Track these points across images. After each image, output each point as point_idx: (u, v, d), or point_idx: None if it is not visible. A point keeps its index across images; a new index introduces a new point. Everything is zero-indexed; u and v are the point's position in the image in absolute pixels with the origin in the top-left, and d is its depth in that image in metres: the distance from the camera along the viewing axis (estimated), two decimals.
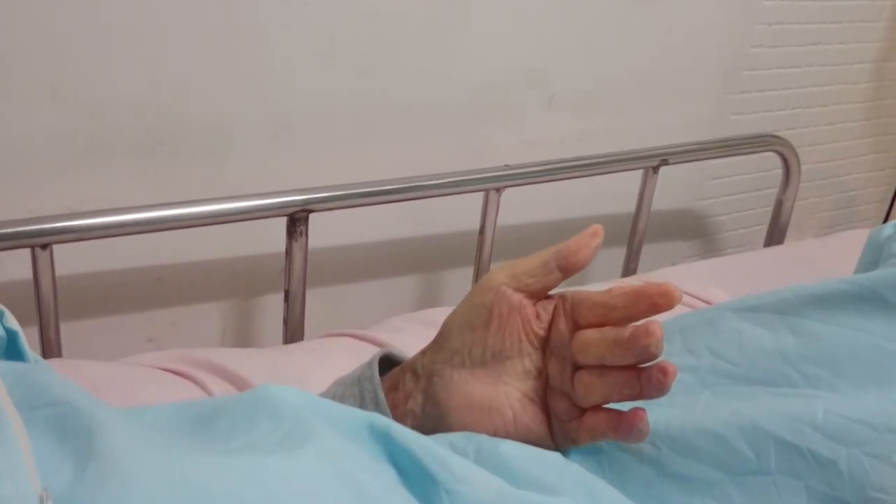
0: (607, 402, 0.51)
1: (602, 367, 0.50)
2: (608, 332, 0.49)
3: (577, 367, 0.51)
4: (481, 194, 1.12)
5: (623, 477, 0.53)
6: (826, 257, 1.26)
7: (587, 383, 0.50)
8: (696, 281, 1.13)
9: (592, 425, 0.51)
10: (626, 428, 0.49)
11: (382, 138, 1.16)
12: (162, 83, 0.98)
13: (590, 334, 0.50)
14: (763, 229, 1.53)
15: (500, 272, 0.53)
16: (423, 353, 0.56)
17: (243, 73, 1.03)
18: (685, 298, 1.07)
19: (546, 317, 0.53)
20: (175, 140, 1.01)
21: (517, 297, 0.53)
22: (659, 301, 0.48)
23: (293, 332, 1.04)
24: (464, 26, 1.17)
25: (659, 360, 0.48)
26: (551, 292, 0.54)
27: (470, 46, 1.18)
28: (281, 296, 1.03)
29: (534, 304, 0.53)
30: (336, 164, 1.13)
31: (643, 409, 0.49)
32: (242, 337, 1.17)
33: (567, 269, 0.52)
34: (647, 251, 1.40)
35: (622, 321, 0.50)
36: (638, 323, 0.47)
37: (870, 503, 0.46)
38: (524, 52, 1.23)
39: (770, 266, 1.27)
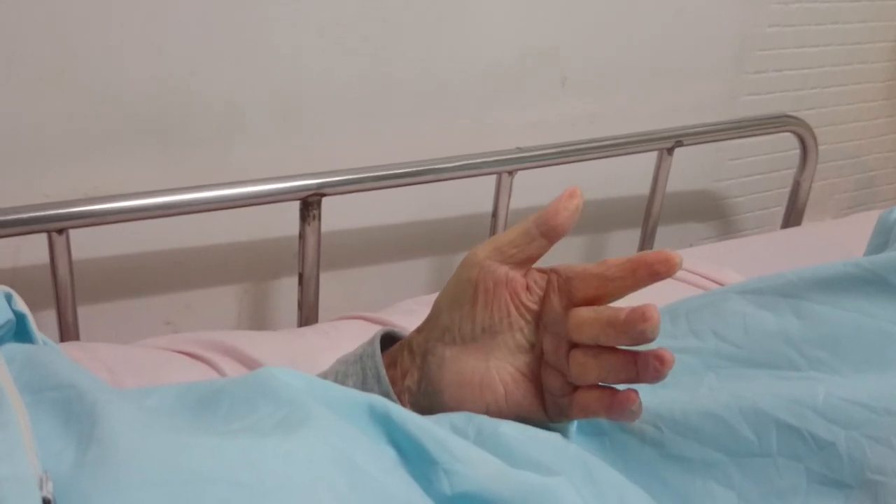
0: (602, 383, 0.50)
1: (598, 348, 0.49)
2: (603, 311, 0.48)
3: (572, 345, 0.50)
4: (493, 177, 1.12)
5: (625, 457, 0.54)
6: (844, 238, 1.25)
7: (582, 363, 0.49)
8: (712, 263, 1.13)
9: (584, 404, 0.50)
10: (618, 409, 0.49)
11: (392, 121, 1.16)
12: (171, 68, 0.99)
13: (584, 313, 0.49)
14: (781, 210, 1.52)
15: (483, 247, 0.53)
16: (419, 330, 0.56)
17: (252, 57, 1.03)
18: (700, 281, 1.07)
19: (538, 290, 0.52)
20: (185, 125, 1.02)
21: (503, 270, 0.52)
22: (658, 268, 0.47)
23: (308, 314, 1.05)
24: (474, 7, 1.16)
25: (659, 345, 0.47)
26: (544, 266, 0.53)
27: (480, 28, 1.18)
28: (295, 279, 1.04)
29: (523, 276, 0.53)
30: (345, 148, 1.13)
31: (635, 392, 0.49)
32: (258, 319, 1.18)
33: (549, 235, 0.51)
34: (664, 233, 1.39)
35: (620, 292, 0.49)
36: (635, 305, 0.47)
37: (868, 485, 0.46)
38: (536, 33, 1.23)
39: (787, 248, 1.27)
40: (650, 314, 0.45)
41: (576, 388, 0.51)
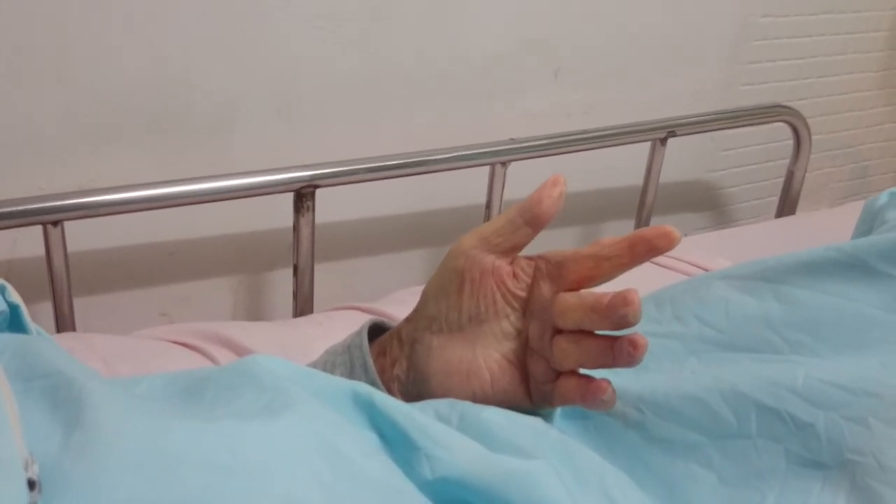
0: (582, 368, 0.51)
1: (579, 334, 0.49)
2: (587, 297, 0.48)
3: (556, 331, 0.51)
4: (487, 168, 1.13)
5: (608, 441, 0.54)
6: (837, 227, 1.25)
7: (563, 349, 0.50)
8: (704, 252, 1.14)
9: (564, 391, 0.51)
10: (591, 398, 0.49)
11: (386, 113, 1.17)
12: (166, 62, 0.99)
13: (569, 299, 0.49)
14: (775, 200, 1.53)
15: (469, 237, 0.54)
16: (408, 320, 0.57)
17: (246, 50, 1.04)
18: (691, 269, 1.07)
19: (525, 278, 0.53)
20: (180, 118, 1.03)
21: (489, 259, 0.53)
22: (658, 242, 0.48)
23: (302, 306, 1.06)
24: None
25: (634, 330, 0.48)
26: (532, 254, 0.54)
27: (473, 19, 1.18)
28: (290, 270, 1.05)
29: (510, 264, 0.53)
30: (340, 140, 1.14)
31: (608, 381, 0.50)
32: (254, 311, 1.18)
33: (534, 223, 0.52)
34: (658, 223, 1.38)
35: (615, 271, 0.50)
36: (617, 290, 0.47)
37: (846, 465, 0.47)
38: (528, 23, 1.23)
39: (780, 237, 1.27)
40: (631, 298, 0.46)
41: (558, 375, 0.52)
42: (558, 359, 0.51)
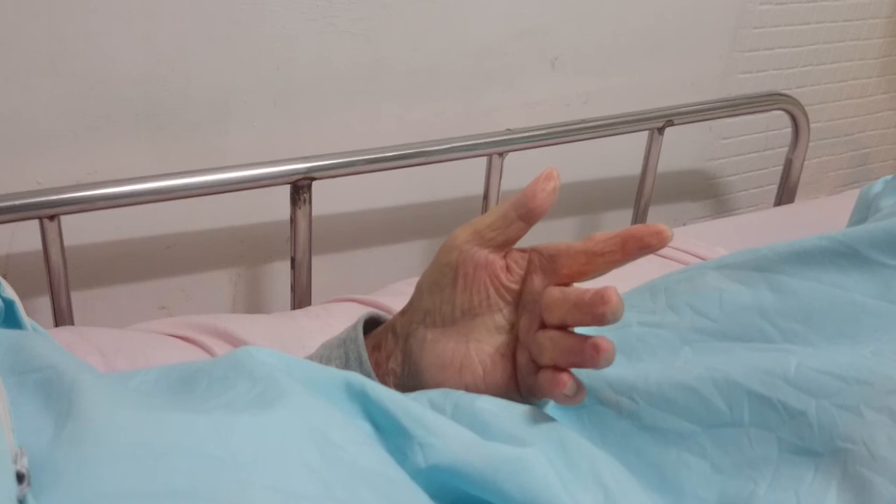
0: (556, 365, 0.50)
1: (558, 330, 0.49)
2: (570, 293, 0.48)
3: (542, 325, 0.51)
4: (484, 159, 1.13)
5: (602, 430, 0.54)
6: (836, 215, 1.25)
7: (541, 344, 0.50)
8: (703, 241, 1.14)
9: (541, 383, 0.51)
10: (554, 391, 0.49)
11: (383, 104, 1.17)
12: (161, 53, 0.99)
13: (555, 294, 0.49)
14: (774, 189, 1.53)
15: (462, 230, 0.54)
16: (402, 313, 0.57)
17: (242, 41, 1.04)
18: (689, 259, 1.07)
19: (518, 270, 0.53)
20: (176, 111, 1.03)
21: (482, 254, 0.53)
22: (650, 241, 0.48)
23: (300, 298, 1.06)
24: None
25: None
26: (527, 246, 0.54)
27: (470, 8, 1.18)
28: (288, 263, 1.05)
29: (503, 257, 0.53)
30: (336, 131, 1.14)
31: (569, 375, 0.49)
32: (252, 303, 1.19)
33: (528, 217, 0.52)
34: (657, 212, 1.40)
35: (607, 266, 0.50)
36: (598, 287, 0.47)
37: (837, 453, 0.47)
38: (526, 13, 1.23)
39: (779, 225, 1.27)
40: (609, 296, 0.46)
41: (539, 368, 0.51)
42: (535, 353, 0.51)
